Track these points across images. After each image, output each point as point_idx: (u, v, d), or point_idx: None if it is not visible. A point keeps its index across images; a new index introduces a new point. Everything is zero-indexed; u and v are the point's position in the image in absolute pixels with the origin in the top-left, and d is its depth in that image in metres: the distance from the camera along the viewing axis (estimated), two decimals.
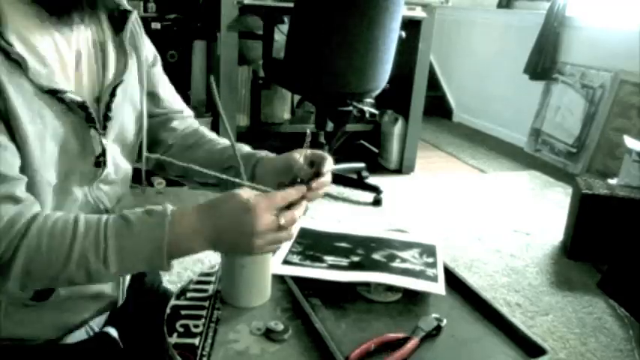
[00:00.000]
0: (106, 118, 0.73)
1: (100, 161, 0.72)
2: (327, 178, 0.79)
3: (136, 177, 0.84)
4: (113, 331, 0.82)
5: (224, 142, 0.91)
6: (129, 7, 0.77)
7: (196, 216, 0.65)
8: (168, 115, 0.92)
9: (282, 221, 0.66)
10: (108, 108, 0.73)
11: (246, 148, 0.90)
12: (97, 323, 0.81)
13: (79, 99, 0.67)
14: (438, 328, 0.71)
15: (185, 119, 0.95)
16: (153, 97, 0.88)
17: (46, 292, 0.70)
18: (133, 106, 0.80)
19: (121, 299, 0.83)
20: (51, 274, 0.61)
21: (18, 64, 0.61)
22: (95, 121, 0.70)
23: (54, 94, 0.64)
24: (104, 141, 0.72)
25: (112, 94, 0.74)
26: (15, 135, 0.61)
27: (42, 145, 0.64)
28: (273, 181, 0.79)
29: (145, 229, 0.63)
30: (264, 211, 0.65)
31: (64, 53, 0.68)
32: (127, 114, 0.78)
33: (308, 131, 0.85)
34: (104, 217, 0.64)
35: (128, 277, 0.86)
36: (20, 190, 0.62)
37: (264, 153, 0.87)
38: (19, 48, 0.61)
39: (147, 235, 0.63)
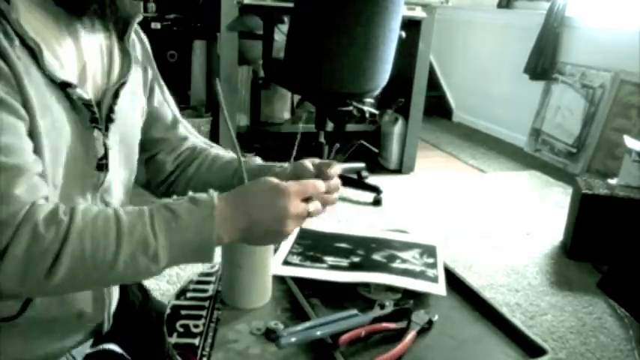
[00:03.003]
0: (109, 119, 0.71)
1: (102, 164, 0.70)
2: (336, 181, 0.77)
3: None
4: (116, 347, 0.80)
5: (228, 155, 0.89)
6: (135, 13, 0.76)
7: (233, 204, 0.63)
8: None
9: (312, 209, 0.66)
10: (111, 110, 0.71)
11: (257, 161, 0.87)
12: (78, 352, 0.77)
13: (86, 96, 0.65)
14: (430, 322, 0.72)
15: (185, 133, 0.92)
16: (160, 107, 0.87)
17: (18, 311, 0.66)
18: (139, 110, 0.79)
19: (106, 324, 0.79)
20: (97, 277, 0.57)
21: (31, 52, 0.59)
22: (98, 121, 0.68)
23: (64, 88, 0.63)
24: (107, 142, 0.70)
25: (116, 96, 0.72)
26: (30, 128, 0.59)
27: (51, 142, 0.62)
28: None
29: (194, 221, 0.60)
30: (297, 196, 0.64)
31: (73, 53, 0.67)
32: (129, 118, 0.76)
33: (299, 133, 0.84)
34: (146, 209, 0.60)
35: (114, 302, 0.81)
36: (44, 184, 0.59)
37: (278, 166, 0.84)
38: (32, 35, 0.59)
39: (196, 228, 0.60)
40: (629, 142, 2.23)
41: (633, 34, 2.89)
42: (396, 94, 2.84)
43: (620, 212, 1.97)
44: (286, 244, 0.89)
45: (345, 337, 0.65)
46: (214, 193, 0.62)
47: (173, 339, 0.67)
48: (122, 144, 0.76)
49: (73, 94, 0.64)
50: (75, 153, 0.66)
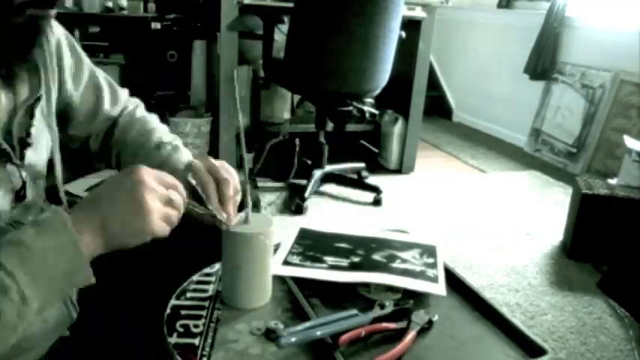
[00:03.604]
0: (24, 145, 0.64)
1: (21, 195, 0.64)
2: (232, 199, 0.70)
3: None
4: None
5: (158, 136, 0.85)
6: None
7: (80, 207, 0.55)
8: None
9: (173, 196, 0.60)
10: (27, 133, 0.64)
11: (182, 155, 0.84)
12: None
13: None
14: (430, 322, 0.72)
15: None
16: (71, 107, 0.79)
17: None
18: (50, 121, 0.71)
19: (74, 312, 0.75)
20: None
21: None
22: (11, 155, 0.61)
23: None
24: (23, 173, 0.64)
25: (31, 117, 0.65)
26: None
27: None
28: None
29: (49, 241, 0.51)
30: (150, 176, 0.57)
31: None
32: (45, 132, 0.70)
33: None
34: None
35: (75, 292, 0.76)
36: None
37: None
38: None
39: (55, 247, 0.51)
40: (629, 142, 2.23)
41: (633, 34, 2.89)
42: (396, 94, 2.84)
43: (620, 212, 1.97)
44: (286, 244, 0.89)
45: (345, 337, 0.65)
46: (58, 208, 0.57)
47: (173, 339, 0.66)
48: (37, 159, 0.68)
49: None
50: None
